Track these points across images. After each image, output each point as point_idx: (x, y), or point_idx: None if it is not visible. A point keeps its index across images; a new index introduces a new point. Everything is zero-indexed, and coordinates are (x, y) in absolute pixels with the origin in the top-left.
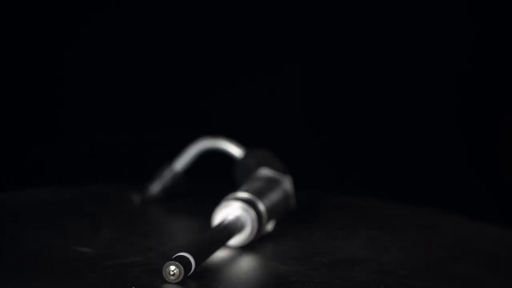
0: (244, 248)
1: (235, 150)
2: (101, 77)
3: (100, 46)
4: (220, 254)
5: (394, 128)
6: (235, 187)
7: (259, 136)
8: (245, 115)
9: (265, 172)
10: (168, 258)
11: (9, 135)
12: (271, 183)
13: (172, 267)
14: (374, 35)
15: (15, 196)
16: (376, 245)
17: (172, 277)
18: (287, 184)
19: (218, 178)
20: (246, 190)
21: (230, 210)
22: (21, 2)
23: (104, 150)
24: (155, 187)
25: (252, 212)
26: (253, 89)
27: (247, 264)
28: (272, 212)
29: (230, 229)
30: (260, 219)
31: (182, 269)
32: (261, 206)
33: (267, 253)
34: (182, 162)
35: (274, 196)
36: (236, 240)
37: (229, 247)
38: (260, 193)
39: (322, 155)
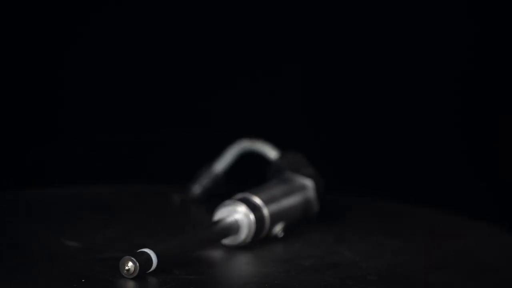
0: (241, 248)
1: (270, 152)
2: (101, 77)
3: (100, 46)
4: (210, 253)
5: (394, 128)
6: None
7: (259, 136)
8: (245, 115)
9: (289, 175)
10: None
11: (9, 135)
12: (290, 187)
13: (128, 263)
14: (374, 35)
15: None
16: (374, 250)
17: (126, 272)
18: (309, 189)
19: (261, 180)
20: (255, 192)
21: (230, 211)
22: (21, 2)
23: (104, 150)
24: (196, 189)
25: (251, 216)
26: (253, 89)
27: (227, 265)
28: (280, 216)
29: (220, 230)
30: (261, 223)
31: (138, 265)
32: (265, 210)
33: (257, 255)
34: (222, 164)
35: (289, 201)
36: (231, 240)
37: (226, 246)
38: (270, 196)
39: (322, 155)
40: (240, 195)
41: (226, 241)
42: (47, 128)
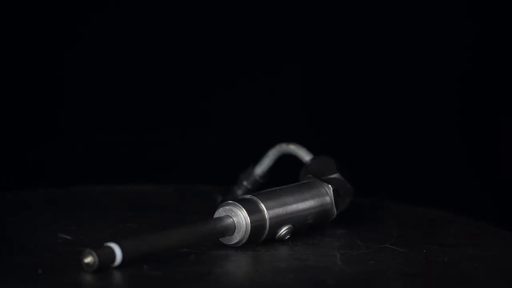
0: (238, 248)
1: (305, 156)
2: (101, 77)
3: (100, 46)
4: (188, 251)
5: (394, 128)
6: None
7: (259, 136)
8: (245, 115)
9: (311, 180)
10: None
11: (9, 135)
12: (306, 192)
13: (88, 256)
14: (374, 35)
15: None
16: (366, 254)
17: (86, 266)
18: (327, 195)
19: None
20: (261, 195)
21: (228, 211)
22: (21, 2)
23: (104, 150)
24: (237, 190)
25: (248, 218)
26: (253, 89)
27: (202, 262)
28: (285, 220)
29: (209, 230)
30: (260, 226)
31: (97, 259)
32: (266, 214)
33: (252, 255)
34: (261, 166)
35: (300, 206)
36: (228, 240)
37: (224, 244)
38: (277, 200)
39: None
40: (245, 197)
41: (224, 240)
42: (47, 128)
